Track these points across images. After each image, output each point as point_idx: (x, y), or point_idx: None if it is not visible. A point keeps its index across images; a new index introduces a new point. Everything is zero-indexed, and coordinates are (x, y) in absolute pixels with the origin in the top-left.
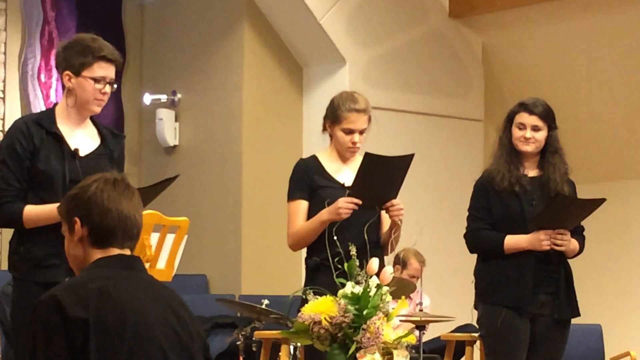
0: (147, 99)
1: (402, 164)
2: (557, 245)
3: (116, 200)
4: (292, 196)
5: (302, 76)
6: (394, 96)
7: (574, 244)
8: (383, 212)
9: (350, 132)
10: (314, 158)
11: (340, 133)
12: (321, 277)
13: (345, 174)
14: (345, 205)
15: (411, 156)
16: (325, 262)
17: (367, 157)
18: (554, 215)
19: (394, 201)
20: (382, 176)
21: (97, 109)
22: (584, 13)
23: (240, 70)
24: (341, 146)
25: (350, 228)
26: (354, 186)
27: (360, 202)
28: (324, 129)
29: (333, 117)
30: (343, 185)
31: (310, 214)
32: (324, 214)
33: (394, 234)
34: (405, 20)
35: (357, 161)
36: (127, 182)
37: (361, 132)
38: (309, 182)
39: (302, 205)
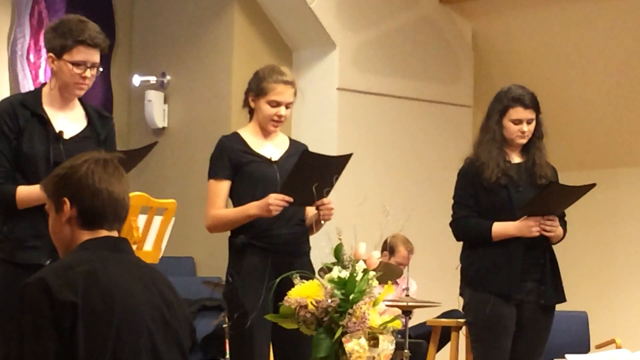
0: (137, 80)
1: (339, 163)
2: (546, 231)
3: (107, 182)
4: (213, 175)
5: (291, 60)
6: (384, 81)
7: (559, 229)
8: None
9: (277, 104)
10: (235, 135)
11: (265, 106)
12: (248, 258)
13: (267, 148)
14: (275, 202)
15: (348, 156)
16: (253, 241)
17: (305, 154)
18: (544, 203)
19: (324, 200)
20: (317, 175)
21: (79, 93)
22: (574, 0)
23: (229, 53)
24: (265, 120)
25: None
26: (286, 183)
27: (291, 199)
28: (245, 104)
29: (258, 89)
30: (270, 159)
31: (236, 191)
32: (252, 209)
33: (316, 227)
34: (395, 5)
35: (280, 137)
36: (117, 163)
37: (287, 106)
38: (233, 159)
39: (224, 185)
